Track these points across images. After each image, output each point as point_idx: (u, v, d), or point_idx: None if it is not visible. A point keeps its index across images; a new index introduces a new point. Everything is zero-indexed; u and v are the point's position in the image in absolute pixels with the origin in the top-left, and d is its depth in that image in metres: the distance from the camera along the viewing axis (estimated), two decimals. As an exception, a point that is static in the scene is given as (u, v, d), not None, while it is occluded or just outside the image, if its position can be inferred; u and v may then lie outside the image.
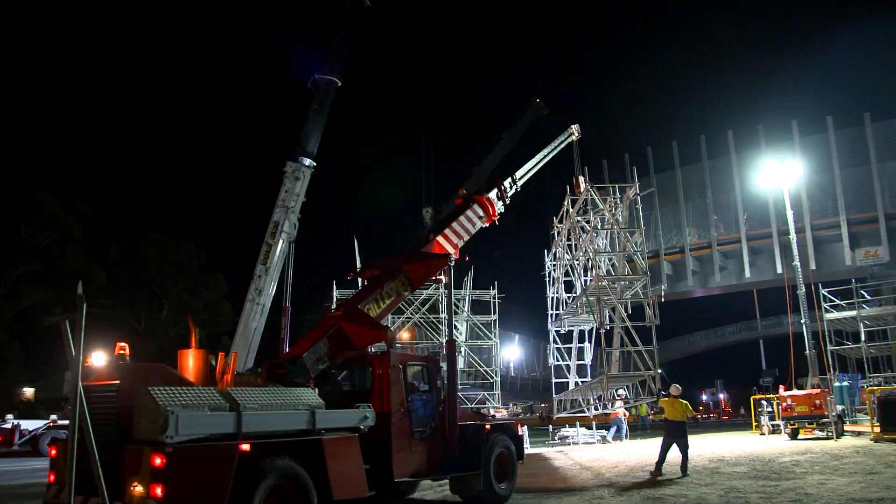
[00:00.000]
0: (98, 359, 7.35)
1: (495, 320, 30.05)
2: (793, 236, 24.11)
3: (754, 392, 32.96)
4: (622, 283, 20.34)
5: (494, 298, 29.80)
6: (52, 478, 7.45)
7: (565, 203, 24.71)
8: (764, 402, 24.73)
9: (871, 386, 24.47)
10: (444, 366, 10.70)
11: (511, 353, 53.85)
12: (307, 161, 39.23)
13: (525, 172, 18.14)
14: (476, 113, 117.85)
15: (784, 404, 21.31)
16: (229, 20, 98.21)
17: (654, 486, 10.88)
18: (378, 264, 11.92)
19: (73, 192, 39.39)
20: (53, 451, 7.50)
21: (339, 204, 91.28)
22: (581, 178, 23.07)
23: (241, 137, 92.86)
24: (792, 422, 21.01)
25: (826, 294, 25.92)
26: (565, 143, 20.93)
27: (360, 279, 13.99)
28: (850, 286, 25.74)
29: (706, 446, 19.62)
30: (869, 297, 28.26)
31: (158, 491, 6.18)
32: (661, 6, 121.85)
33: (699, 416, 60.64)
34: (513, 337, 54.20)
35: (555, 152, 19.98)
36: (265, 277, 37.23)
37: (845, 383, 25.26)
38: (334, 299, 28.78)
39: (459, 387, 27.94)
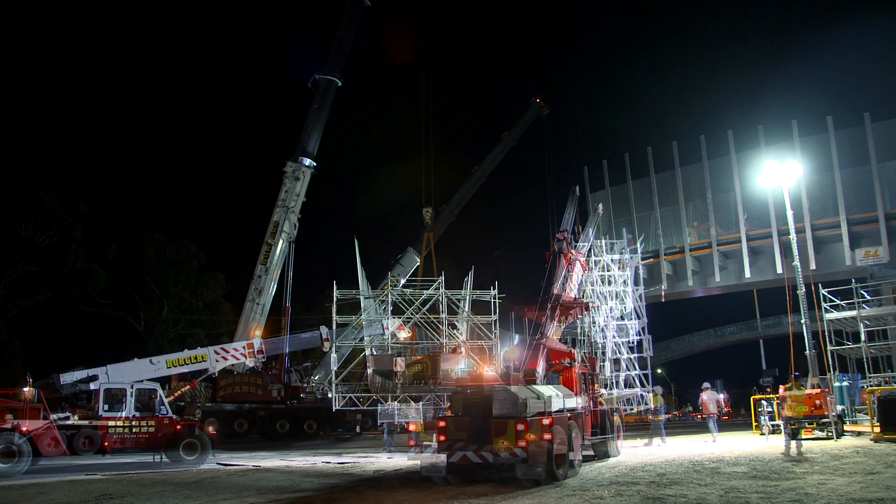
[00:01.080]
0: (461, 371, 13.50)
1: (496, 320, 29.98)
2: (793, 236, 24.08)
3: (754, 392, 32.92)
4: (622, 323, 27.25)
5: (494, 298, 29.74)
6: (411, 442, 12.92)
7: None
8: (764, 402, 24.70)
9: (871, 386, 24.44)
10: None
11: (511, 353, 53.71)
12: (307, 161, 39.13)
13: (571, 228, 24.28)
14: (475, 112, 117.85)
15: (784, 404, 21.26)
16: (229, 20, 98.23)
17: (654, 486, 10.87)
18: (536, 306, 17.98)
19: (73, 191, 39.38)
20: (412, 426, 13.49)
21: (339, 204, 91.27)
22: (591, 231, 28.50)
23: (240, 137, 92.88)
24: (792, 422, 20.95)
25: (826, 294, 25.89)
26: (575, 199, 26.55)
27: (514, 313, 20.24)
28: (850, 286, 25.70)
29: (706, 446, 19.61)
30: (869, 297, 28.22)
31: (521, 443, 11.27)
32: (661, 5, 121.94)
33: (699, 416, 61.92)
34: (513, 337, 54.14)
35: (575, 209, 25.64)
36: (265, 277, 37.20)
37: (845, 383, 25.24)
38: (334, 299, 28.71)
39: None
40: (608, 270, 27.91)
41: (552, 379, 15.18)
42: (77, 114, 76.37)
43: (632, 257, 28.94)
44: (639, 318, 26.65)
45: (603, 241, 28.95)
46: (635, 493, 10.25)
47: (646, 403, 26.18)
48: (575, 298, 21.20)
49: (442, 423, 12.44)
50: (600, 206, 28.06)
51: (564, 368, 15.44)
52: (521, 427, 11.25)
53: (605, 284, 27.72)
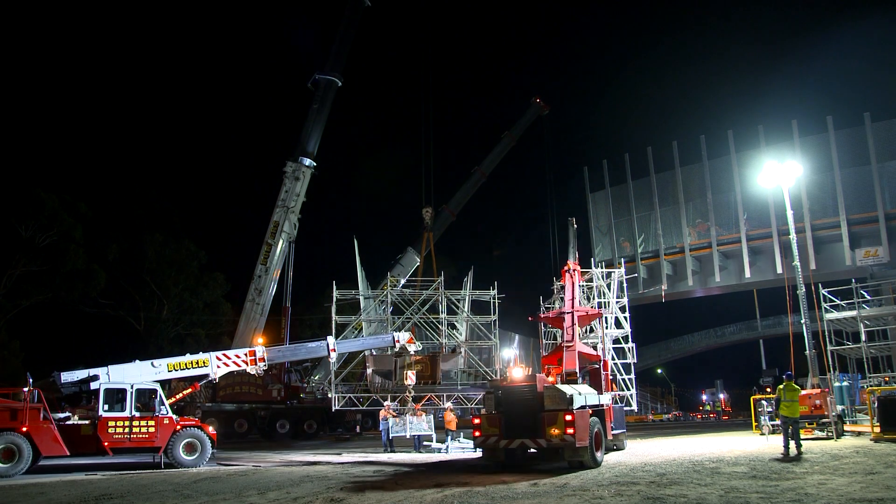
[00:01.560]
0: (517, 372, 15.10)
1: (495, 320, 29.99)
2: (793, 236, 24.07)
3: (754, 392, 32.94)
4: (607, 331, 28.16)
5: (494, 299, 29.76)
6: (477, 433, 14.51)
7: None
8: (764, 402, 24.69)
9: (871, 386, 24.43)
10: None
11: (511, 353, 53.77)
12: (307, 161, 39.19)
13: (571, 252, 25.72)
14: (475, 112, 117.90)
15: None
16: (230, 20, 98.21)
17: (654, 486, 10.87)
18: (555, 313, 20.18)
19: (73, 191, 39.36)
20: (477, 420, 14.58)
21: (339, 204, 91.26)
22: (576, 256, 29.22)
23: (240, 137, 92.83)
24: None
25: (826, 294, 25.88)
26: (573, 231, 27.21)
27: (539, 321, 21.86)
28: (850, 286, 25.69)
29: (706, 446, 19.59)
30: (869, 297, 28.21)
31: (570, 430, 13.26)
32: (662, 5, 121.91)
33: (699, 416, 62.57)
34: (513, 337, 54.18)
35: (575, 237, 26.39)
36: (265, 277, 37.23)
37: (845, 383, 25.21)
38: (334, 300, 28.73)
39: (459, 387, 28.11)
40: (593, 281, 28.45)
41: (585, 378, 17.19)
42: (77, 113, 76.37)
43: (613, 273, 29.42)
44: (621, 327, 27.37)
45: (581, 254, 29.50)
46: (635, 493, 10.25)
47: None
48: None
49: (477, 420, 14.58)
50: (573, 219, 29.09)
51: (593, 369, 17.48)
52: (568, 418, 13.30)
53: (594, 295, 28.16)
